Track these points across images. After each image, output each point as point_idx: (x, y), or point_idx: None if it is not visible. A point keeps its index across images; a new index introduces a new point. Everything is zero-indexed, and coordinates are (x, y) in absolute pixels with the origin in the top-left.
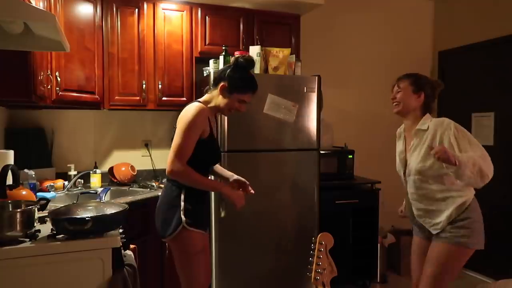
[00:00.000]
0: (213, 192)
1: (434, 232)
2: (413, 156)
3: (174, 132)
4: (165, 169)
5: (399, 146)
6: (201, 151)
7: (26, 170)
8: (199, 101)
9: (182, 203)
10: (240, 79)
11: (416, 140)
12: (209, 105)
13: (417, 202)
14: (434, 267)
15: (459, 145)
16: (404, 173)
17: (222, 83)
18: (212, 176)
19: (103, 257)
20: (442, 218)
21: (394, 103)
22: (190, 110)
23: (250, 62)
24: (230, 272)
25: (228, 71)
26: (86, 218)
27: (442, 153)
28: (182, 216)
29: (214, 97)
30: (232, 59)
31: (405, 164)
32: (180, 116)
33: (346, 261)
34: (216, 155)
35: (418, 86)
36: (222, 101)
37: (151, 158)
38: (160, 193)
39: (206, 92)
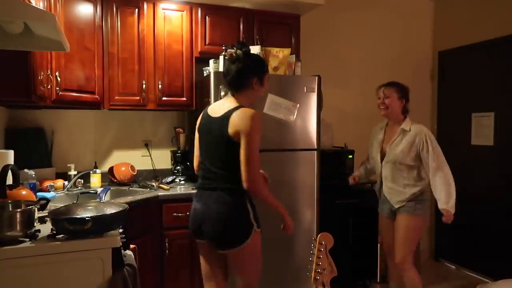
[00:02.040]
0: None
1: (396, 206)
2: (395, 148)
3: (228, 139)
4: (165, 169)
5: (379, 136)
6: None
7: (26, 170)
8: (243, 106)
9: (250, 210)
10: (260, 61)
11: (399, 137)
12: (251, 105)
13: (389, 182)
14: (404, 232)
15: (433, 155)
16: (382, 158)
17: (253, 80)
18: None
19: (103, 257)
20: (404, 197)
21: (382, 107)
22: (254, 117)
23: (246, 46)
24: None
25: (251, 65)
26: (86, 218)
27: (450, 220)
28: (253, 222)
29: (251, 95)
30: (233, 52)
31: (381, 151)
32: (241, 122)
33: (346, 261)
34: None
35: (401, 94)
36: (258, 93)
37: (151, 158)
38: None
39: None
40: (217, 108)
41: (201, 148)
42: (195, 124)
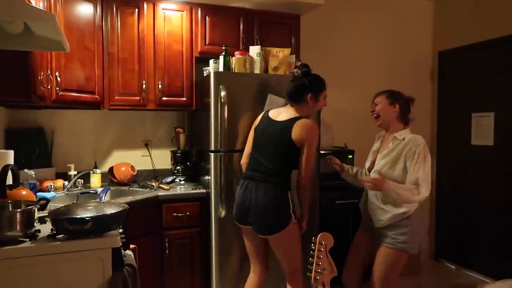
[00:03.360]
0: (213, 192)
1: (377, 225)
2: (383, 159)
3: (290, 143)
4: (164, 169)
5: (376, 145)
6: (297, 157)
7: (26, 170)
8: (302, 117)
9: (291, 202)
10: (318, 80)
11: (390, 147)
12: (308, 116)
13: (373, 197)
14: (382, 267)
15: (416, 167)
16: (370, 169)
17: (308, 95)
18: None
19: (103, 257)
20: (386, 216)
21: (374, 116)
22: (314, 127)
23: (307, 67)
24: (230, 272)
25: (307, 84)
26: (86, 218)
27: (373, 186)
28: (292, 214)
29: (307, 108)
30: (295, 71)
31: (373, 162)
32: (303, 131)
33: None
34: None
35: (392, 99)
36: (314, 107)
37: (151, 158)
38: (164, 192)
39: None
40: (279, 113)
41: (257, 145)
42: (195, 124)
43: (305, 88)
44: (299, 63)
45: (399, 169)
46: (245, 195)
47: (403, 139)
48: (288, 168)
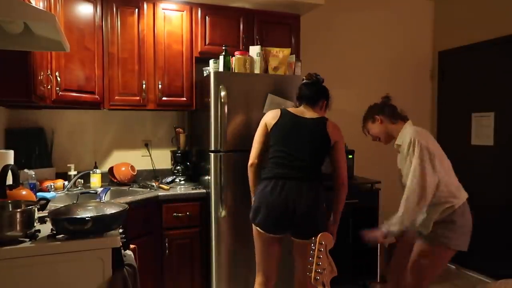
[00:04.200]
0: (213, 192)
1: (423, 232)
2: (404, 168)
3: (328, 144)
4: (165, 169)
5: (398, 156)
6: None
7: (26, 170)
8: (325, 117)
9: (325, 203)
10: (328, 92)
11: (400, 155)
12: None
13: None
14: (415, 257)
15: (413, 171)
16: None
17: (323, 101)
18: None
19: (103, 257)
20: (430, 221)
21: (378, 140)
22: (340, 130)
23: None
24: (229, 272)
25: (327, 91)
26: (86, 218)
27: (374, 242)
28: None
29: (323, 111)
30: (311, 76)
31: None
32: (338, 132)
33: (346, 261)
34: None
35: (371, 117)
36: (324, 112)
37: (151, 158)
38: (167, 192)
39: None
40: (302, 112)
41: (286, 140)
42: (195, 124)
43: (323, 94)
44: (299, 63)
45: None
46: (284, 197)
47: (402, 142)
48: (321, 165)
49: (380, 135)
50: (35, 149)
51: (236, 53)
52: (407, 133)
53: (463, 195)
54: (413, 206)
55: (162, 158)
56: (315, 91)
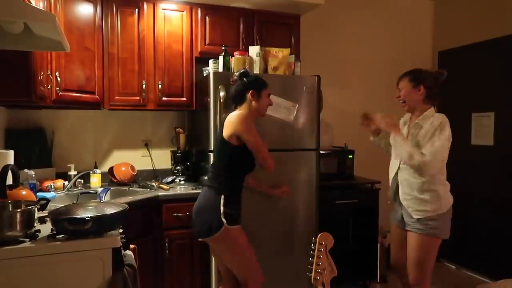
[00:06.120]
0: None
1: (415, 216)
2: (421, 141)
3: (227, 143)
4: (164, 169)
5: (404, 131)
6: (242, 155)
7: (26, 170)
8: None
9: (223, 208)
10: (257, 79)
11: (414, 132)
12: (255, 116)
13: (406, 188)
14: (415, 252)
15: (430, 137)
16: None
17: (249, 92)
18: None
19: (103, 257)
20: (426, 207)
21: (401, 101)
22: (241, 116)
23: (245, 70)
24: None
25: (246, 82)
26: (86, 218)
27: (390, 124)
28: (223, 219)
29: (247, 107)
30: (236, 73)
31: None
32: (233, 125)
33: (346, 261)
34: (254, 162)
35: (416, 81)
36: (258, 104)
37: (151, 158)
38: (162, 193)
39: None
40: None
41: None
42: (195, 124)
43: (245, 87)
44: (299, 63)
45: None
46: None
47: (426, 123)
48: (223, 169)
49: (409, 102)
50: (35, 149)
51: (235, 53)
52: (439, 117)
53: (448, 187)
54: (418, 157)
55: (162, 158)
56: (235, 90)
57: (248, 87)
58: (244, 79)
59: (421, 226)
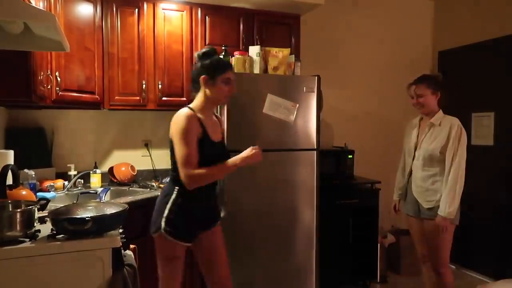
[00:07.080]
0: None
1: (426, 206)
2: (427, 143)
3: (171, 142)
4: (165, 169)
5: (414, 133)
6: (201, 152)
7: (26, 170)
8: (188, 107)
9: (167, 211)
10: (211, 62)
11: (430, 131)
12: (203, 105)
13: (419, 181)
14: (438, 238)
15: (456, 148)
16: (414, 156)
17: (202, 78)
18: None
19: (103, 257)
20: (437, 197)
21: (418, 107)
22: (179, 118)
23: (209, 49)
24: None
25: (198, 65)
26: (86, 218)
27: (444, 227)
28: (162, 224)
29: (202, 95)
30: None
31: (415, 149)
32: (171, 126)
33: (346, 261)
34: (216, 153)
35: (434, 88)
36: (211, 91)
37: (151, 158)
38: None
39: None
40: None
41: None
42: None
43: (198, 71)
44: (299, 63)
45: (442, 150)
46: None
47: (439, 124)
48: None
49: (427, 106)
50: (35, 149)
51: (235, 53)
52: (454, 120)
53: None
54: (460, 181)
55: (162, 158)
56: (192, 75)
57: (200, 71)
58: (200, 61)
59: (433, 214)
